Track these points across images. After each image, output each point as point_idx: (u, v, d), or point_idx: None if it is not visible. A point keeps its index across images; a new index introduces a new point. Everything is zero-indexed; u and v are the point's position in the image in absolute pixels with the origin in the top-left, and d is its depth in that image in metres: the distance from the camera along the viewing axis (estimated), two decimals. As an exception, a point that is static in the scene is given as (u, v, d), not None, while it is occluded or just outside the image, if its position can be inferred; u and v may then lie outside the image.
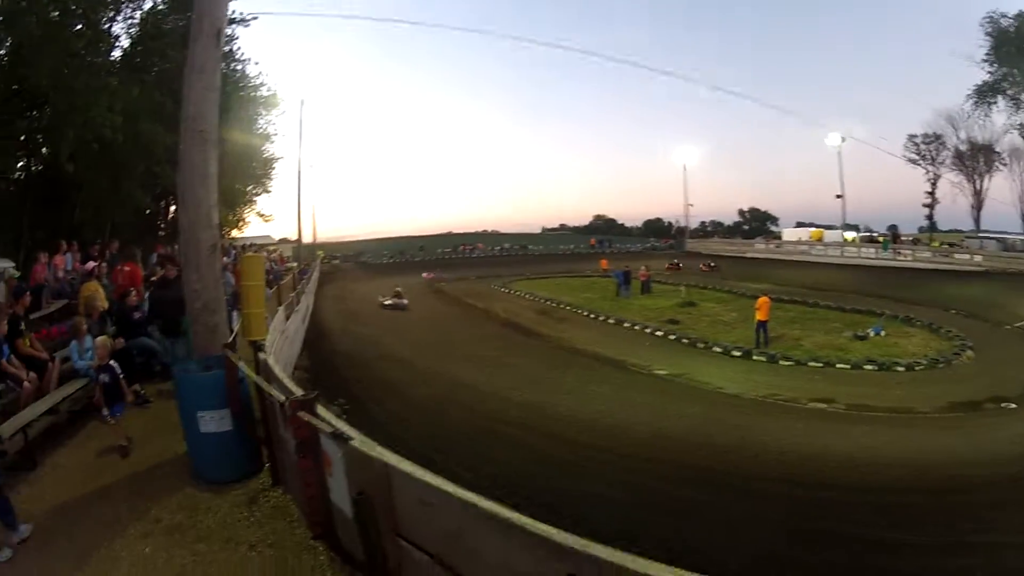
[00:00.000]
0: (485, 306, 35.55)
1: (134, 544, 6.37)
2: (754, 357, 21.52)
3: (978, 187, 67.19)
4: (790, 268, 51.56)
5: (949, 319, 28.15)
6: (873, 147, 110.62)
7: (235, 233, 50.49)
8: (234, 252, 29.01)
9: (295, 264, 45.24)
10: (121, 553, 6.20)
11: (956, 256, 47.50)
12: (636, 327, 27.85)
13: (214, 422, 7.78)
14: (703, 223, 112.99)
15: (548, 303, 36.47)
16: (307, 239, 57.78)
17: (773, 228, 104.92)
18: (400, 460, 3.93)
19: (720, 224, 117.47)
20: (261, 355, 8.20)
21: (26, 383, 9.89)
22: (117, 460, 8.77)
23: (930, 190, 71.01)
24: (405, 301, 34.20)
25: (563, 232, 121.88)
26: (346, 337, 24.56)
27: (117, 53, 27.89)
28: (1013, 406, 15.57)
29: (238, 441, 7.94)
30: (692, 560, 2.37)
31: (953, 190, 68.95)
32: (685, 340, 24.60)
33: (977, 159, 66.19)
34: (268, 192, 48.54)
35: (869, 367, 19.88)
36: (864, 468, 11.37)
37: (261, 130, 42.45)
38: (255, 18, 32.54)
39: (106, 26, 26.40)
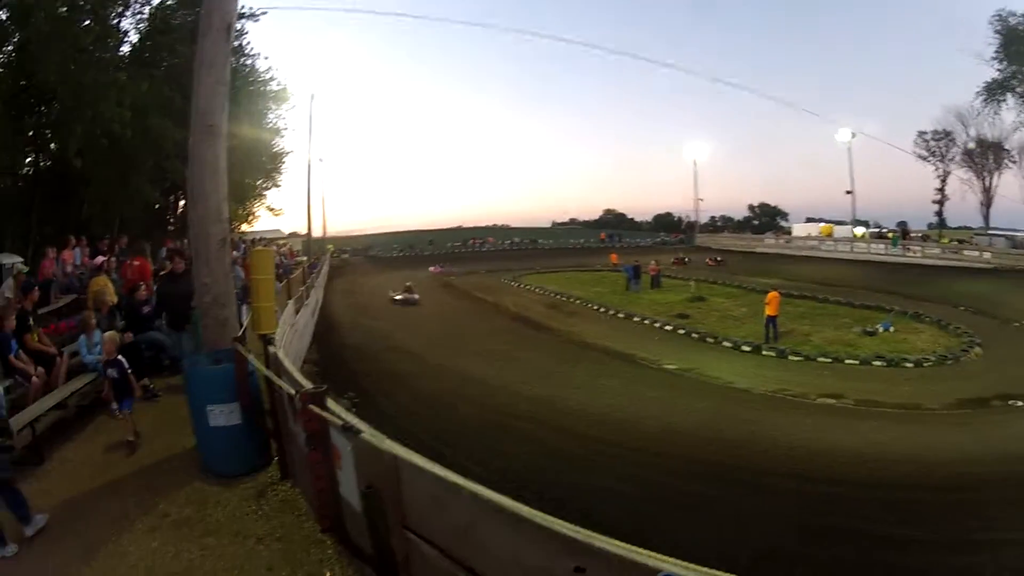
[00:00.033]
0: (495, 300, 35.48)
1: (142, 539, 6.38)
2: (763, 352, 21.51)
3: (987, 184, 67.03)
4: (800, 263, 51.54)
5: (958, 316, 27.94)
6: (884, 143, 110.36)
7: (245, 227, 50.61)
8: (244, 246, 29.01)
9: (305, 258, 45.14)
10: (129, 548, 6.21)
11: (965, 253, 47.32)
12: (646, 321, 27.85)
13: (223, 416, 7.79)
14: (713, 218, 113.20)
15: (558, 297, 36.40)
16: (317, 233, 57.62)
17: (783, 223, 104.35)
18: (409, 453, 3.92)
19: (730, 219, 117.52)
20: (271, 349, 8.20)
21: (34, 378, 9.91)
22: (125, 455, 8.80)
23: (940, 187, 70.84)
24: (416, 296, 33.72)
25: (573, 226, 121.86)
26: (355, 331, 24.58)
27: (126, 48, 28.03)
28: (1021, 403, 15.48)
29: (247, 435, 7.95)
30: (701, 555, 2.34)
31: (963, 187, 68.83)
32: (695, 335, 24.58)
33: (987, 156, 65.94)
34: (278, 186, 48.62)
35: (878, 363, 19.86)
36: (872, 464, 11.33)
37: (271, 124, 42.52)
38: (264, 13, 32.77)
39: (115, 21, 26.45)
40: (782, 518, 9.34)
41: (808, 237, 66.32)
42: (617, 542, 2.54)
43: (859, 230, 66.17)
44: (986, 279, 37.81)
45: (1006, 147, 63.76)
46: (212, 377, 8.13)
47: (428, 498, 3.78)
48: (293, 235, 68.93)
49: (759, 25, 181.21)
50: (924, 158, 70.86)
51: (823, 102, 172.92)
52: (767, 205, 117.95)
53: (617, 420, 13.75)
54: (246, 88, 34.58)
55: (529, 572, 3.01)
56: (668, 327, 26.23)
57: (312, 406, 4.61)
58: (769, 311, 23.21)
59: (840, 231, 66.01)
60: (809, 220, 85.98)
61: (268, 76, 38.63)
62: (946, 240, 57.55)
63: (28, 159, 27.22)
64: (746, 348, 22.06)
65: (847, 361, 20.09)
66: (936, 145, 70.01)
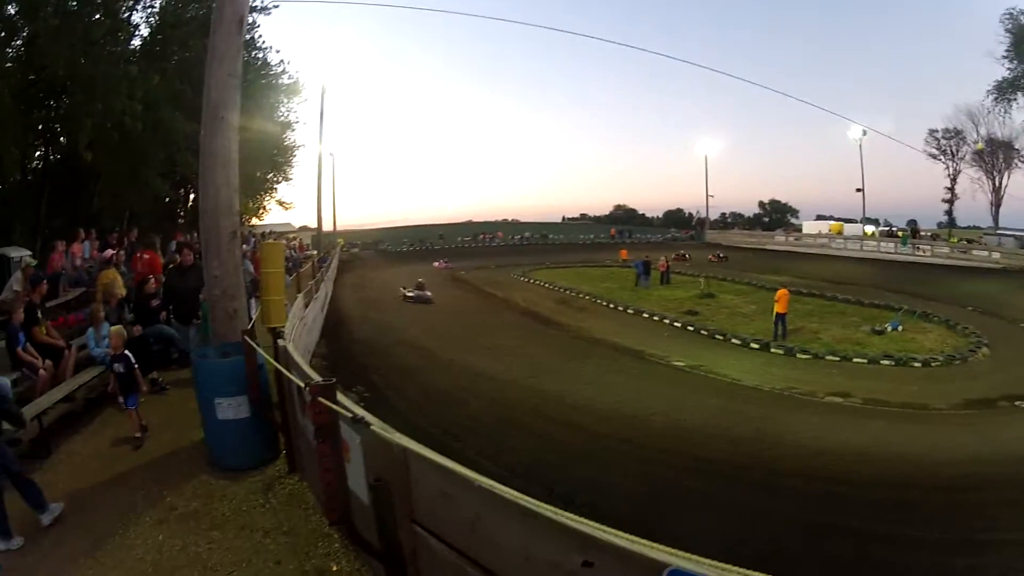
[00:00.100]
0: (504, 295, 35.44)
1: (149, 532, 6.43)
2: (772, 350, 21.47)
3: (997, 184, 66.85)
4: (809, 261, 51.59)
5: (966, 316, 27.87)
6: (894, 141, 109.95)
7: (255, 221, 50.61)
8: (254, 240, 29.08)
9: (314, 252, 45.14)
10: (136, 541, 6.26)
11: (974, 253, 47.36)
12: (655, 317, 27.81)
13: (232, 409, 7.82)
14: (723, 214, 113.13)
15: (567, 292, 36.30)
16: (327, 227, 57.65)
17: (793, 221, 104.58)
18: (419, 446, 3.92)
19: (740, 216, 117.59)
20: (280, 342, 8.21)
21: (42, 371, 9.98)
22: (132, 448, 8.84)
23: (950, 186, 70.78)
24: (429, 293, 32.90)
25: (584, 222, 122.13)
26: (365, 325, 24.54)
27: (137, 42, 28.03)
28: (1027, 405, 15.45)
29: (256, 428, 7.99)
30: (707, 551, 2.33)
31: (973, 186, 68.70)
32: (704, 331, 24.55)
33: (996, 156, 65.74)
34: (288, 180, 48.47)
35: (886, 362, 19.81)
36: (879, 463, 11.30)
37: (282, 118, 42.34)
38: (276, 6, 32.65)
39: (125, 15, 26.48)
40: (788, 516, 9.32)
41: (818, 235, 66.36)
42: (626, 535, 2.54)
43: (869, 228, 66.18)
44: (995, 279, 37.78)
45: (1016, 147, 63.63)
46: (220, 370, 8.16)
47: (437, 491, 3.78)
48: (303, 229, 68.83)
49: (771, 22, 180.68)
50: (934, 157, 70.97)
51: (834, 99, 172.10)
52: (777, 202, 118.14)
53: (625, 416, 13.73)
54: (258, 81, 34.59)
55: (537, 566, 3.00)
56: (677, 324, 26.19)
57: (322, 398, 4.61)
58: (778, 308, 23.12)
59: (850, 229, 66.07)
60: (819, 218, 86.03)
61: (280, 69, 38.48)
62: (955, 239, 57.46)
63: (38, 152, 27.27)
64: (755, 345, 22.00)
65: (855, 360, 20.03)
66: (947, 144, 69.99)
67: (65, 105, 25.09)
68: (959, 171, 69.48)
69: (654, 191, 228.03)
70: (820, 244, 61.44)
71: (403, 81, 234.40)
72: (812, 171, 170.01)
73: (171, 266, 15.34)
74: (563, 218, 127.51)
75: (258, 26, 34.05)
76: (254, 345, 7.93)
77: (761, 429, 13.08)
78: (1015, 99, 55.73)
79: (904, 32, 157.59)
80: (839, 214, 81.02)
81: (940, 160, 70.58)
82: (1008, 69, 54.57)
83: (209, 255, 9.82)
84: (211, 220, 9.70)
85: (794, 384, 16.87)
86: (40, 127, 26.15)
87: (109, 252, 17.25)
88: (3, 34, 22.76)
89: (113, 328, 10.10)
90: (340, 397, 4.80)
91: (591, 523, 2.67)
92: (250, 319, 10.89)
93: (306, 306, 16.90)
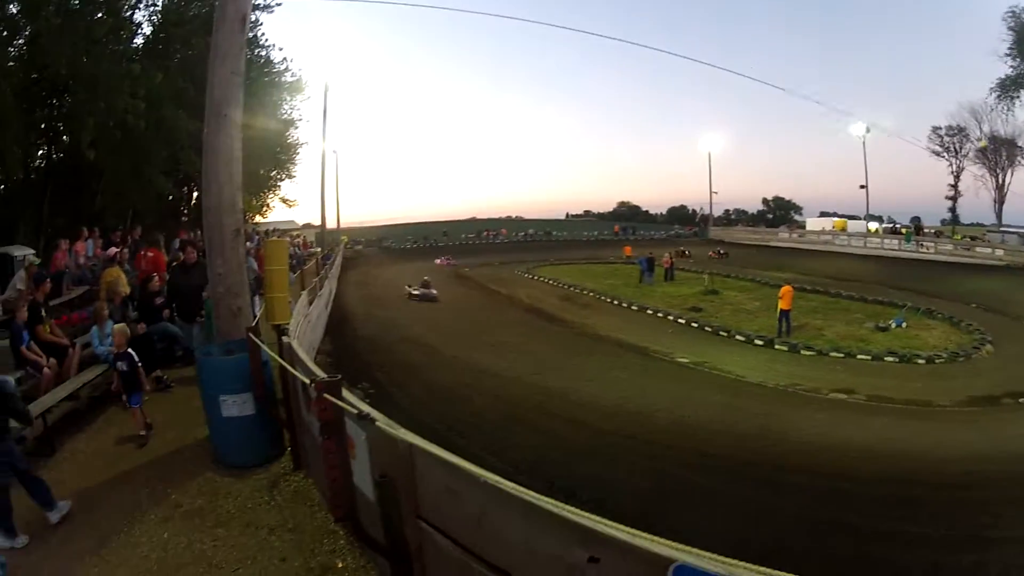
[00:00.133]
0: (508, 292, 35.45)
1: (153, 529, 6.43)
2: (776, 346, 21.42)
3: (1000, 181, 66.71)
4: (813, 258, 51.44)
5: (969, 313, 27.76)
6: (898, 138, 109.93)
7: (259, 218, 50.74)
8: (257, 237, 29.10)
9: (318, 249, 45.18)
10: (141, 538, 6.26)
11: (978, 250, 47.26)
12: (659, 314, 27.78)
13: (236, 406, 7.81)
14: (727, 211, 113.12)
15: (571, 289, 36.32)
16: (331, 224, 57.67)
17: (797, 217, 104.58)
18: (424, 442, 3.92)
19: (744, 212, 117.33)
20: (284, 339, 8.20)
21: (46, 369, 9.98)
22: (137, 446, 8.84)
23: (953, 183, 70.61)
24: (434, 292, 32.44)
25: (587, 218, 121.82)
26: (369, 322, 24.54)
27: (139, 40, 28.10)
28: (1030, 402, 15.42)
29: (260, 425, 7.99)
30: (711, 547, 2.32)
31: (976, 183, 68.56)
32: (708, 328, 24.52)
33: (1000, 153, 65.60)
34: (292, 177, 48.63)
35: (890, 359, 19.76)
36: (883, 460, 11.28)
37: (285, 115, 42.53)
38: (279, 4, 32.67)
39: (128, 13, 26.51)
40: (792, 512, 9.32)
41: (822, 231, 66.31)
42: (631, 530, 2.53)
43: (873, 225, 66.05)
44: (998, 276, 37.69)
45: (1019, 144, 63.43)
46: (225, 367, 8.17)
47: (442, 487, 3.78)
48: (307, 226, 68.95)
49: (776, 19, 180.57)
50: (938, 154, 70.76)
51: (838, 96, 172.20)
52: (781, 199, 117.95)
53: (629, 412, 13.72)
54: (261, 79, 34.70)
55: (543, 561, 2.99)
56: (681, 320, 26.20)
57: (327, 395, 4.61)
58: (782, 305, 23.12)
59: (854, 226, 65.95)
60: (823, 214, 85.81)
61: (283, 67, 38.60)
62: (959, 236, 57.33)
63: (40, 151, 27.34)
64: (759, 342, 21.97)
65: (859, 356, 19.97)
66: (950, 141, 69.83)
67: (68, 104, 25.17)
68: (962, 168, 69.37)
69: (658, 188, 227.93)
70: (824, 241, 61.39)
71: (406, 78, 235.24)
72: (816, 168, 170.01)
73: (175, 264, 15.36)
74: (567, 215, 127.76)
75: (261, 24, 34.27)
76: (258, 342, 7.92)
77: (765, 425, 13.07)
78: (1018, 96, 55.70)
79: (905, 31, 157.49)
80: (843, 211, 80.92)
81: (943, 157, 70.48)
82: (1011, 67, 54.57)
83: (213, 253, 9.82)
84: (214, 218, 9.70)
85: (798, 381, 16.84)
86: (43, 126, 26.24)
87: (113, 250, 17.25)
88: (5, 33, 22.82)
89: (117, 326, 10.06)
90: (345, 393, 4.80)
91: (597, 518, 2.67)
92: (254, 316, 10.90)
93: (310, 303, 16.91)
